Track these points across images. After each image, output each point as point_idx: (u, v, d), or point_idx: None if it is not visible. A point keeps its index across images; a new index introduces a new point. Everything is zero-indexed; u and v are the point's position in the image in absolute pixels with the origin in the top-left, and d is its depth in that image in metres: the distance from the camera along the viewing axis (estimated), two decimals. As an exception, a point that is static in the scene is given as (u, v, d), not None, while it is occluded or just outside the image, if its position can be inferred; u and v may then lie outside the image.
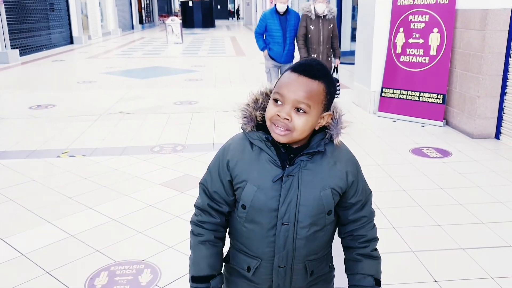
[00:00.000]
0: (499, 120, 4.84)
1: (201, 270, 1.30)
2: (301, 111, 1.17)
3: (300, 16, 5.98)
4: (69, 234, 2.94)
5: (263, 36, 6.13)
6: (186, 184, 3.72)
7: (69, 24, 18.04)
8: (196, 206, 1.36)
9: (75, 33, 18.20)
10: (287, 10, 6.00)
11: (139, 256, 2.69)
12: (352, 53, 9.75)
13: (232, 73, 10.16)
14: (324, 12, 5.77)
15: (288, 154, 1.25)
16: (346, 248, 1.41)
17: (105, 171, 4.03)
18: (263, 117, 1.26)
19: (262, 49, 6.14)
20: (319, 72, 1.19)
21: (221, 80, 9.21)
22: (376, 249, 1.38)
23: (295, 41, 6.15)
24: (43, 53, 14.63)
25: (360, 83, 6.61)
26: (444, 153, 4.47)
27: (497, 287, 2.38)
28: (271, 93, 1.25)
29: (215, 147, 4.69)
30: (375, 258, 1.37)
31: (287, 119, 1.17)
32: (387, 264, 2.59)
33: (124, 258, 2.67)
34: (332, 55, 6.08)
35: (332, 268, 1.44)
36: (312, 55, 5.92)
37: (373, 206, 3.41)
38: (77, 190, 3.62)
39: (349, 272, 1.38)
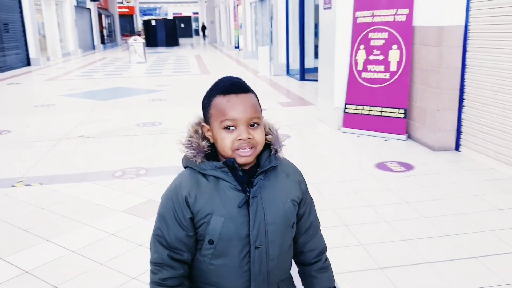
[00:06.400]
0: (458, 132, 4.96)
1: None
2: (255, 125, 1.20)
3: None
4: (23, 270, 2.77)
5: None
6: (150, 210, 3.61)
7: (26, 45, 17.50)
8: (153, 263, 1.25)
9: (32, 54, 17.65)
10: None
11: (100, 290, 2.56)
12: (315, 70, 9.88)
13: (197, 92, 10.07)
14: None
15: (246, 177, 1.23)
16: (300, 264, 1.43)
17: (64, 200, 3.86)
18: (208, 147, 1.24)
19: None
20: (246, 84, 1.23)
21: (186, 100, 9.13)
22: (327, 258, 1.43)
23: None
24: (-1, 76, 14.16)
25: (324, 100, 6.68)
26: (408, 167, 4.53)
27: (464, 303, 2.39)
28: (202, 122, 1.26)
29: (180, 169, 4.57)
30: (327, 268, 1.41)
31: (250, 138, 1.17)
32: (355, 283, 2.59)
33: (84, 292, 2.54)
34: None
35: (294, 286, 1.44)
36: None
37: (340, 223, 3.41)
38: (33, 222, 3.45)
39: (307, 287, 1.42)
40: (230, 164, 1.20)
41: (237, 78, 1.24)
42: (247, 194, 1.20)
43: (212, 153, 1.25)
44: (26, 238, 3.19)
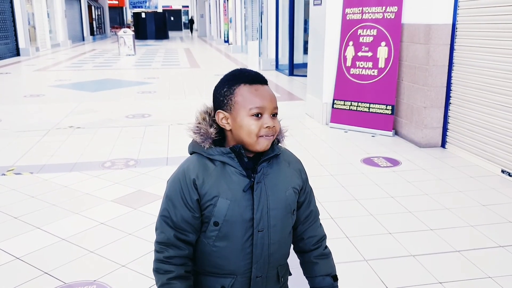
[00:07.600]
0: (444, 129, 5.06)
1: None
2: (275, 115, 1.28)
3: None
4: (14, 256, 2.80)
5: None
6: (138, 200, 3.64)
7: (15, 35, 17.35)
8: (159, 242, 1.29)
9: (21, 44, 17.50)
10: None
11: (90, 277, 2.59)
12: (304, 65, 9.93)
13: (186, 85, 10.10)
14: None
15: (251, 163, 1.29)
16: (300, 252, 1.48)
17: (54, 189, 3.88)
18: (217, 133, 1.30)
19: None
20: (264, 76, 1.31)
21: (175, 92, 9.13)
22: (326, 246, 1.48)
23: None
24: (-14, 66, 13.99)
25: (312, 95, 6.74)
26: (394, 162, 4.62)
27: (445, 292, 2.47)
28: (211, 112, 1.32)
29: (169, 161, 4.63)
30: (328, 256, 1.46)
31: (274, 126, 1.26)
32: (341, 274, 2.64)
33: (75, 279, 2.57)
34: None
35: (290, 273, 1.49)
36: None
37: (327, 216, 3.46)
38: (23, 210, 3.46)
39: (308, 275, 1.46)
40: (237, 150, 1.27)
41: (255, 71, 1.33)
42: (252, 179, 1.28)
43: (218, 140, 1.31)
44: (16, 225, 3.21)
